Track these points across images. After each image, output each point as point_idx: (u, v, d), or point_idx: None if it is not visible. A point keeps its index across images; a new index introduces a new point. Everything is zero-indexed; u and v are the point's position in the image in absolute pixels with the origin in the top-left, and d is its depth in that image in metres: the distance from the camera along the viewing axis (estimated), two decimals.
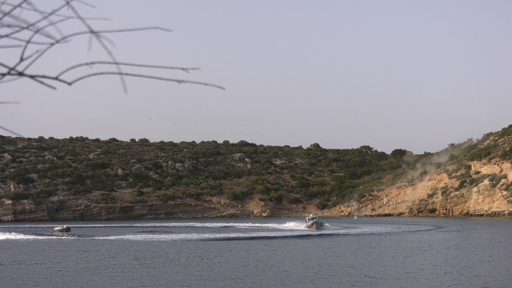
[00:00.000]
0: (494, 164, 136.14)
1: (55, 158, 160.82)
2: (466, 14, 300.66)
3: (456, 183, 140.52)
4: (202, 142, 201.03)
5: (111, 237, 71.04)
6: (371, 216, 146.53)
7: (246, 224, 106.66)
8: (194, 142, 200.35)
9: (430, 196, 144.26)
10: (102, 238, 70.42)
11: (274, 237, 70.66)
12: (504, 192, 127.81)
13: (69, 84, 3.21)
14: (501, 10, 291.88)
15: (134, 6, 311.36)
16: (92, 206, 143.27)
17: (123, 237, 71.47)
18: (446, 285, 30.73)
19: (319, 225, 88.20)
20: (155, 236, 72.53)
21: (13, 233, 79.05)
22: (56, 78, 3.20)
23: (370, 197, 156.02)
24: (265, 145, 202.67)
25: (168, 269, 38.55)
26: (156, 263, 42.40)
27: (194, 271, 37.42)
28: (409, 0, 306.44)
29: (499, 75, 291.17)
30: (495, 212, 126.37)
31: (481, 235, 67.36)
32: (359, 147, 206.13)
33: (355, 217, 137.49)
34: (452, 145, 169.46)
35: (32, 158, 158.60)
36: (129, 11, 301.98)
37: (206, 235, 74.26)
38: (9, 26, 3.04)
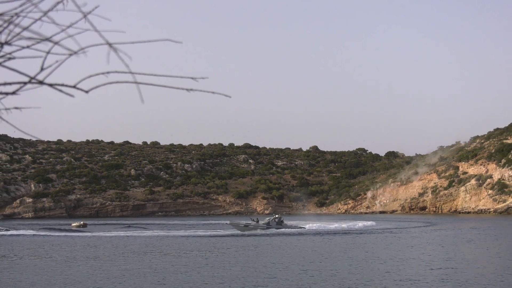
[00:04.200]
0: (481, 165, 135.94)
1: (72, 160, 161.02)
2: (454, 20, 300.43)
3: (445, 183, 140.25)
4: (209, 144, 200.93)
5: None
6: (365, 213, 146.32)
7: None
8: (201, 144, 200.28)
9: (421, 194, 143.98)
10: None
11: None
12: (490, 191, 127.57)
13: (86, 92, 3.20)
14: (491, 17, 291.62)
15: (147, 20, 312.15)
16: (107, 204, 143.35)
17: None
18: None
19: (243, 227, 73.44)
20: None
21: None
22: (74, 87, 3.19)
23: (365, 196, 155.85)
24: (268, 148, 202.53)
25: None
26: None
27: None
28: (400, 5, 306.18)
29: (485, 83, 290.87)
30: (481, 209, 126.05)
31: (486, 231, 67.21)
32: (355, 149, 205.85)
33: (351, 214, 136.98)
34: (441, 147, 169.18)
35: (51, 159, 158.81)
36: (141, 24, 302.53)
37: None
38: (29, 38, 3.03)
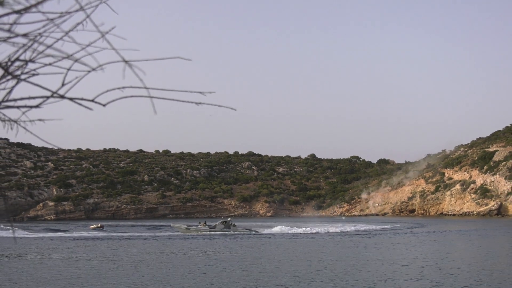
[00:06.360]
0: (465, 171, 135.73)
1: (91, 166, 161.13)
2: (444, 33, 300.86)
3: (432, 188, 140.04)
4: (216, 152, 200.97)
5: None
6: (359, 216, 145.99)
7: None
8: (209, 152, 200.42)
9: (410, 198, 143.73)
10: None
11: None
12: (473, 195, 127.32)
13: (104, 105, 3.19)
14: (477, 30, 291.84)
15: (158, 38, 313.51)
16: (122, 207, 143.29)
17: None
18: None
19: (185, 229, 67.97)
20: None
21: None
22: (92, 101, 3.18)
23: (358, 200, 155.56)
24: (269, 155, 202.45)
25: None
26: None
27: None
28: (394, 15, 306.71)
29: (468, 95, 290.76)
30: (465, 212, 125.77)
31: (474, 233, 66.87)
32: (349, 156, 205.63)
33: (343, 218, 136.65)
34: (429, 155, 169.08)
35: (71, 166, 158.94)
36: (152, 42, 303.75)
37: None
38: (51, 56, 3.04)
